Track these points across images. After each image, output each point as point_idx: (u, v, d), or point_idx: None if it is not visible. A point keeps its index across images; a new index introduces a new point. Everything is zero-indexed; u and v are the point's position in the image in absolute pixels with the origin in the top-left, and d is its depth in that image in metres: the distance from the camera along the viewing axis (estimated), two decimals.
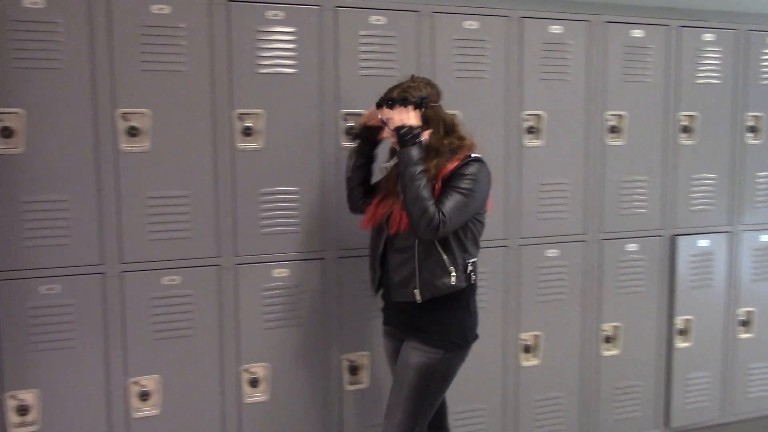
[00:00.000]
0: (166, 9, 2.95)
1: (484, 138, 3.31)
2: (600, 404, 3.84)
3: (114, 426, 2.99)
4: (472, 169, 2.61)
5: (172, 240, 3.02)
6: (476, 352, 2.85)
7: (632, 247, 3.82)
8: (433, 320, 2.68)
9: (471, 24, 3.42)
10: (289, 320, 3.22)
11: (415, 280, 2.64)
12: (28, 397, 2.87)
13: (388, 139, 2.76)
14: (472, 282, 2.72)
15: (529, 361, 3.65)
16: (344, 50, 3.22)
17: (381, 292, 2.86)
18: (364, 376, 3.36)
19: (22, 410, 2.86)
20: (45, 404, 2.89)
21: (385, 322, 2.90)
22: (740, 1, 4.16)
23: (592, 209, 3.73)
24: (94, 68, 2.87)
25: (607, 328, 3.82)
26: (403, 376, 2.69)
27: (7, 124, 2.78)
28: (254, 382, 3.17)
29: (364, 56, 3.25)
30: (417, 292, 2.64)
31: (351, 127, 3.17)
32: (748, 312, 4.11)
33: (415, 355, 2.68)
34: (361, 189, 2.91)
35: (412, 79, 2.72)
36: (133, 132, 2.92)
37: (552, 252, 3.65)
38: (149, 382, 3.02)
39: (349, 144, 3.17)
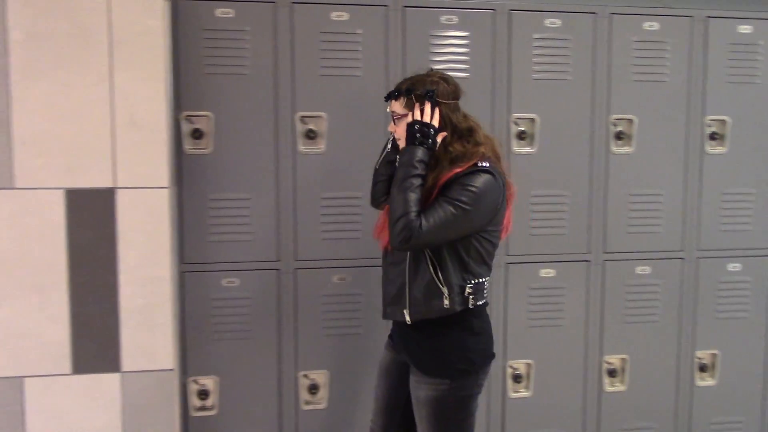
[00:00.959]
0: (344, 16, 3.04)
1: (664, 143, 3.18)
2: None
3: (284, 416, 3.12)
4: (477, 180, 2.22)
5: (342, 240, 3.10)
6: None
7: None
8: (430, 347, 2.34)
9: (651, 25, 3.28)
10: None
11: (405, 299, 2.34)
12: (208, 382, 3.06)
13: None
14: (471, 306, 2.31)
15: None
16: (517, 54, 3.19)
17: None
18: (529, 383, 3.32)
19: (203, 394, 3.04)
20: (222, 390, 3.07)
21: (391, 335, 2.59)
22: None
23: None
24: (277, 73, 3.00)
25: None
26: (418, 412, 2.39)
27: (198, 126, 2.97)
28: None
29: (537, 59, 3.20)
30: (406, 312, 2.34)
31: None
32: None
33: (422, 389, 2.35)
34: (387, 185, 2.54)
35: (428, 72, 2.41)
36: (311, 135, 3.04)
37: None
38: (318, 376, 3.13)
39: None
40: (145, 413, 2.83)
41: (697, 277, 3.42)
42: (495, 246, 2.36)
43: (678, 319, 3.43)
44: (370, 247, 3.03)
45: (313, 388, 3.12)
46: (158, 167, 2.79)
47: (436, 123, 2.29)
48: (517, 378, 3.29)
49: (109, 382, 2.81)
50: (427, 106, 2.28)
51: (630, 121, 3.28)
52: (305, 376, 3.11)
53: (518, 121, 3.20)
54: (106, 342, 2.80)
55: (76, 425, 2.79)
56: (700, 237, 3.40)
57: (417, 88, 2.31)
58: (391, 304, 2.39)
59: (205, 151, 2.99)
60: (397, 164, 2.32)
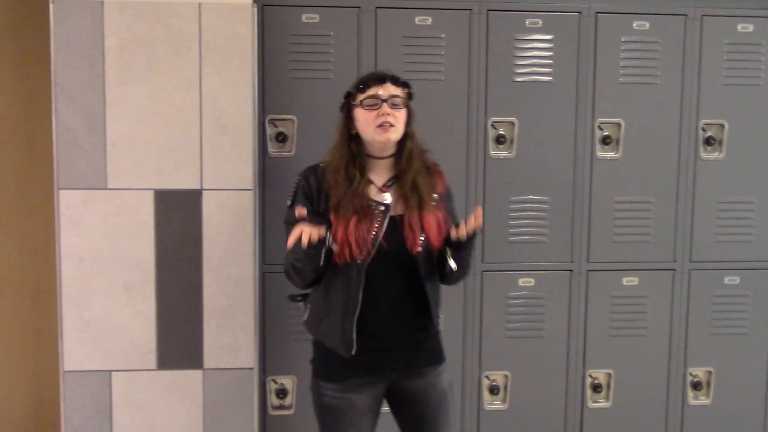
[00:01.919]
0: (428, 20, 3.04)
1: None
2: None
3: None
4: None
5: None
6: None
7: (732, 280, 3.27)
8: (437, 334, 2.39)
9: (746, 27, 3.17)
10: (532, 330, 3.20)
11: (437, 305, 2.34)
12: (286, 381, 3.10)
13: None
14: None
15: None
16: (603, 57, 3.12)
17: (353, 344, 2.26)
18: None
19: (281, 393, 3.09)
20: (300, 390, 3.10)
21: (367, 372, 2.30)
22: None
23: None
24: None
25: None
26: (441, 404, 2.36)
27: (281, 129, 3.02)
28: (596, 388, 3.25)
29: (624, 63, 3.13)
30: (441, 316, 2.40)
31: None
32: None
33: (444, 378, 2.37)
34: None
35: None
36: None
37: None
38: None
39: None
40: (225, 410, 2.89)
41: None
42: None
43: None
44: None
45: None
46: (243, 170, 2.86)
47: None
48: (596, 388, 3.22)
49: (191, 378, 2.88)
50: (403, 114, 2.27)
51: (721, 126, 3.18)
52: None
53: (603, 125, 3.14)
54: (190, 339, 2.87)
55: (159, 419, 2.88)
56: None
57: (409, 84, 2.33)
58: (417, 329, 2.33)
59: (289, 154, 3.03)
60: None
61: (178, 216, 2.85)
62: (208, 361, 2.88)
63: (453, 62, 3.06)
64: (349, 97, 2.31)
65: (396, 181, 2.29)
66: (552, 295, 3.18)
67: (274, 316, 3.06)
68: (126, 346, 2.85)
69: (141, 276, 2.84)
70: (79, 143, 2.80)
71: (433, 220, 2.27)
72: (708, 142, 3.18)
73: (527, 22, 3.09)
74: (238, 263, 2.87)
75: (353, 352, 2.23)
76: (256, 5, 2.88)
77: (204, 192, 2.85)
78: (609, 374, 3.24)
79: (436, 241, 2.28)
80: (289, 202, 2.33)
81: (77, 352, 2.84)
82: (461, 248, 2.26)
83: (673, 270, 3.22)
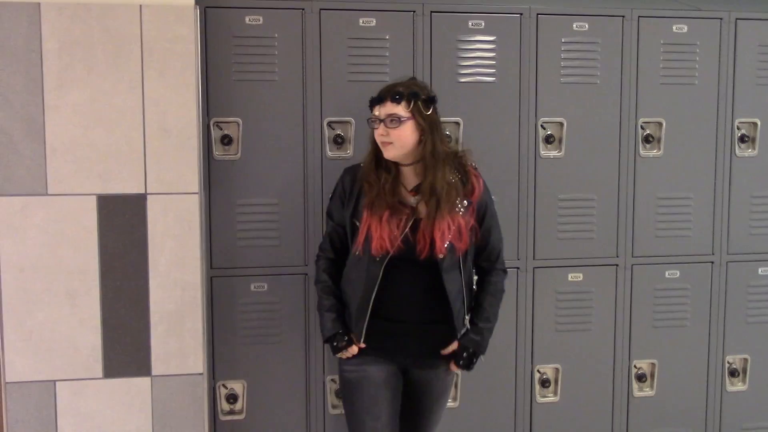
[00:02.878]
0: (372, 22, 3.05)
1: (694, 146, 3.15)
2: None
3: (311, 420, 3.13)
4: (486, 189, 2.67)
5: None
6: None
7: (765, 270, 3.45)
8: (454, 333, 2.64)
9: (680, 28, 3.26)
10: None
11: (462, 305, 2.63)
12: (236, 386, 3.07)
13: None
14: None
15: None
16: (544, 58, 3.18)
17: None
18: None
19: (232, 399, 3.06)
20: (250, 394, 3.08)
21: (382, 355, 2.61)
22: None
23: None
24: (305, 79, 3.02)
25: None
26: (440, 399, 2.74)
27: (227, 132, 3.00)
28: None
29: (565, 63, 3.19)
30: (468, 318, 2.70)
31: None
32: None
33: (449, 376, 2.72)
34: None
35: (414, 79, 2.71)
36: (339, 140, 3.05)
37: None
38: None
39: None
40: (175, 417, 2.86)
41: (727, 281, 3.39)
42: None
43: (707, 324, 3.40)
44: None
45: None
46: (188, 173, 2.82)
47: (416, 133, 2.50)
48: (545, 383, 3.28)
49: (139, 386, 2.84)
50: (407, 128, 2.48)
51: (659, 123, 3.26)
52: (333, 380, 3.11)
53: (545, 125, 3.19)
54: (137, 346, 2.83)
55: (107, 428, 2.82)
56: (729, 241, 3.38)
57: (420, 93, 2.48)
58: (434, 324, 2.60)
59: (234, 157, 3.01)
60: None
61: (122, 221, 2.80)
62: (156, 367, 2.83)
63: (397, 63, 3.07)
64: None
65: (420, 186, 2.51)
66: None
67: (223, 320, 3.04)
68: (70, 355, 2.79)
69: (84, 283, 2.79)
70: (17, 148, 2.73)
71: (445, 226, 2.46)
72: (647, 139, 3.26)
73: (470, 23, 3.13)
74: (185, 268, 2.83)
75: (362, 342, 2.56)
76: (198, 7, 2.85)
77: (148, 196, 2.81)
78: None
79: (449, 245, 2.49)
80: (330, 196, 2.73)
81: (19, 362, 2.77)
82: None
83: (616, 265, 3.30)
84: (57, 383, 2.79)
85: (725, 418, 3.46)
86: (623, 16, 3.22)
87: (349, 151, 3.06)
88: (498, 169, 3.16)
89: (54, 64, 2.73)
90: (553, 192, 3.22)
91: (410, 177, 2.55)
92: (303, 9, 3.01)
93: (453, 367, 2.62)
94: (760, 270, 3.42)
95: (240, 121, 3.00)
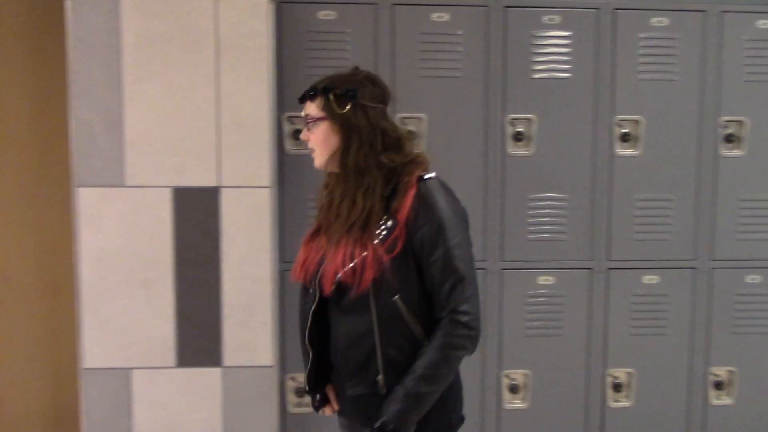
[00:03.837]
0: (445, 17, 3.03)
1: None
2: None
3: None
4: (434, 195, 1.86)
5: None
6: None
7: (753, 278, 3.24)
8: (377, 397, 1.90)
9: (766, 23, 3.14)
10: (551, 329, 3.18)
11: (377, 361, 1.88)
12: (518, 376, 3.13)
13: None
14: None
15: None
16: (621, 53, 3.10)
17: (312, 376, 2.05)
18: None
19: (300, 392, 3.08)
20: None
21: (340, 412, 2.08)
22: None
23: None
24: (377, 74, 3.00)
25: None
26: None
27: (299, 126, 3.01)
28: (617, 387, 3.22)
29: (642, 60, 3.11)
30: (381, 379, 1.88)
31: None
32: None
33: None
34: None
35: (353, 71, 2.01)
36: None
37: (752, 278, 3.22)
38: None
39: None
40: (244, 408, 2.89)
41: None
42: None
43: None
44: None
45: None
46: (260, 167, 2.85)
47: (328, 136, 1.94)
48: (617, 386, 3.21)
49: (211, 376, 2.88)
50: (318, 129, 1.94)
51: (742, 123, 3.15)
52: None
53: (622, 122, 3.12)
54: (209, 337, 2.87)
55: (179, 416, 2.88)
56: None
57: (337, 87, 1.92)
58: (354, 374, 1.92)
59: (306, 151, 3.00)
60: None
61: (196, 213, 2.84)
62: (227, 359, 2.87)
63: (470, 59, 3.04)
64: None
65: None
66: (571, 293, 3.16)
67: (294, 314, 3.04)
68: (145, 343, 2.85)
69: (159, 274, 2.84)
70: (97, 141, 2.80)
71: (340, 257, 1.86)
72: (728, 139, 3.15)
73: (545, 18, 3.07)
74: (257, 261, 2.86)
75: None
76: (273, 2, 2.87)
77: (222, 189, 2.85)
78: (630, 373, 3.22)
79: (349, 279, 1.84)
80: None
81: (96, 349, 2.84)
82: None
83: (694, 268, 3.20)
84: (132, 371, 2.85)
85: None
86: (705, 11, 3.12)
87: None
88: (572, 167, 3.11)
89: (132, 59, 2.79)
90: (629, 191, 3.14)
91: None
92: (376, 3, 3.00)
93: None
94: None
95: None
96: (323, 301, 1.95)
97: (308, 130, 1.99)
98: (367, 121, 1.91)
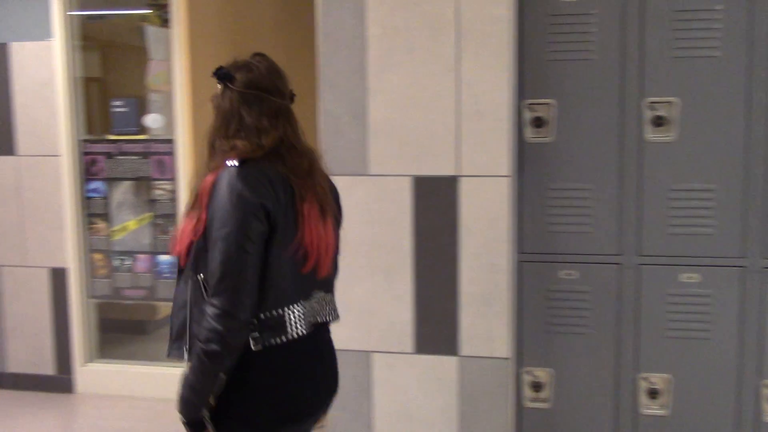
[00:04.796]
0: None
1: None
2: None
3: (621, 419, 2.96)
4: (220, 183, 1.80)
5: (692, 236, 2.85)
6: None
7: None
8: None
9: None
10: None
11: (186, 335, 1.87)
12: (542, 374, 3.01)
13: None
14: (254, 347, 1.80)
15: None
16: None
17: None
18: None
19: (537, 386, 3.00)
20: (557, 383, 2.99)
21: None
22: None
23: None
24: (624, 58, 2.84)
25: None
26: None
27: (539, 114, 2.92)
28: None
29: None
30: (186, 350, 1.87)
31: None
32: None
33: None
34: None
35: (250, 57, 1.98)
36: (659, 121, 2.83)
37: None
38: (659, 380, 2.92)
39: None
40: (480, 398, 2.87)
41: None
42: (289, 269, 1.86)
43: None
44: (727, 245, 2.80)
45: (653, 393, 2.91)
46: (500, 156, 2.80)
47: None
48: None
49: (447, 364, 2.89)
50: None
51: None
52: (645, 379, 2.92)
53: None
54: (446, 325, 2.88)
55: (416, 402, 2.92)
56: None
57: (223, 69, 1.94)
58: (173, 340, 1.93)
59: (546, 140, 2.93)
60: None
61: (435, 202, 2.86)
62: (464, 348, 2.87)
63: (731, 37, 2.77)
64: None
65: None
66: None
67: (531, 306, 2.98)
68: (385, 328, 2.92)
69: (400, 261, 2.89)
70: (343, 130, 2.90)
71: (181, 227, 1.92)
72: None
73: None
74: (494, 251, 2.82)
75: None
76: None
77: (460, 178, 2.83)
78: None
79: (177, 250, 1.91)
80: None
81: (339, 331, 2.94)
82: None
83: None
84: (372, 354, 2.94)
85: None
86: None
87: (670, 135, 2.82)
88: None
89: (377, 50, 2.86)
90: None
91: None
92: None
93: None
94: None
95: (554, 102, 2.91)
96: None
97: None
98: (229, 104, 1.92)
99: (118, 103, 4.34)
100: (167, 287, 4.28)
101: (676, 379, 2.90)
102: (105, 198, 4.35)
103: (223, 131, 1.91)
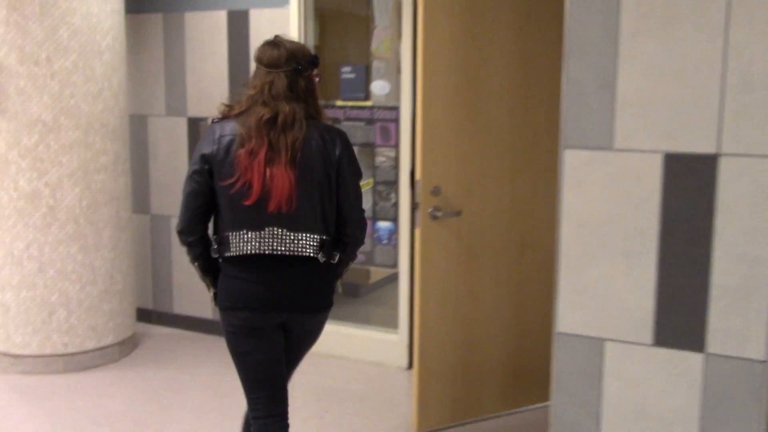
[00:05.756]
0: None
1: None
2: None
3: None
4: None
5: None
6: None
7: None
8: None
9: None
10: None
11: None
12: None
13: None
14: (216, 256, 2.56)
15: None
16: None
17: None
18: None
19: None
20: None
21: None
22: None
23: None
24: None
25: None
26: None
27: None
28: None
29: None
30: None
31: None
32: None
33: None
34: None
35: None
36: None
37: None
38: None
39: None
40: (726, 402, 2.59)
41: None
42: (228, 200, 2.47)
43: None
44: None
45: None
46: None
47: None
48: None
49: (690, 361, 2.63)
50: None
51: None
52: None
53: None
54: (692, 319, 2.61)
55: (652, 398, 2.69)
56: None
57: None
58: None
59: None
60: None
61: (688, 183, 2.59)
62: (712, 345, 2.59)
63: None
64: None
65: None
66: None
67: None
68: (621, 316, 2.70)
69: (642, 244, 2.66)
70: (587, 101, 2.70)
71: None
72: None
73: None
74: (757, 240, 2.51)
75: None
76: None
77: (721, 157, 2.54)
78: None
79: None
80: None
81: (571, 315, 2.79)
82: None
83: None
84: (605, 342, 2.74)
85: None
86: None
87: None
88: None
89: (630, 13, 2.61)
90: None
91: None
92: None
93: None
94: None
95: None
96: None
97: None
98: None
99: (346, 69, 4.39)
100: (385, 253, 4.31)
101: None
102: None
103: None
